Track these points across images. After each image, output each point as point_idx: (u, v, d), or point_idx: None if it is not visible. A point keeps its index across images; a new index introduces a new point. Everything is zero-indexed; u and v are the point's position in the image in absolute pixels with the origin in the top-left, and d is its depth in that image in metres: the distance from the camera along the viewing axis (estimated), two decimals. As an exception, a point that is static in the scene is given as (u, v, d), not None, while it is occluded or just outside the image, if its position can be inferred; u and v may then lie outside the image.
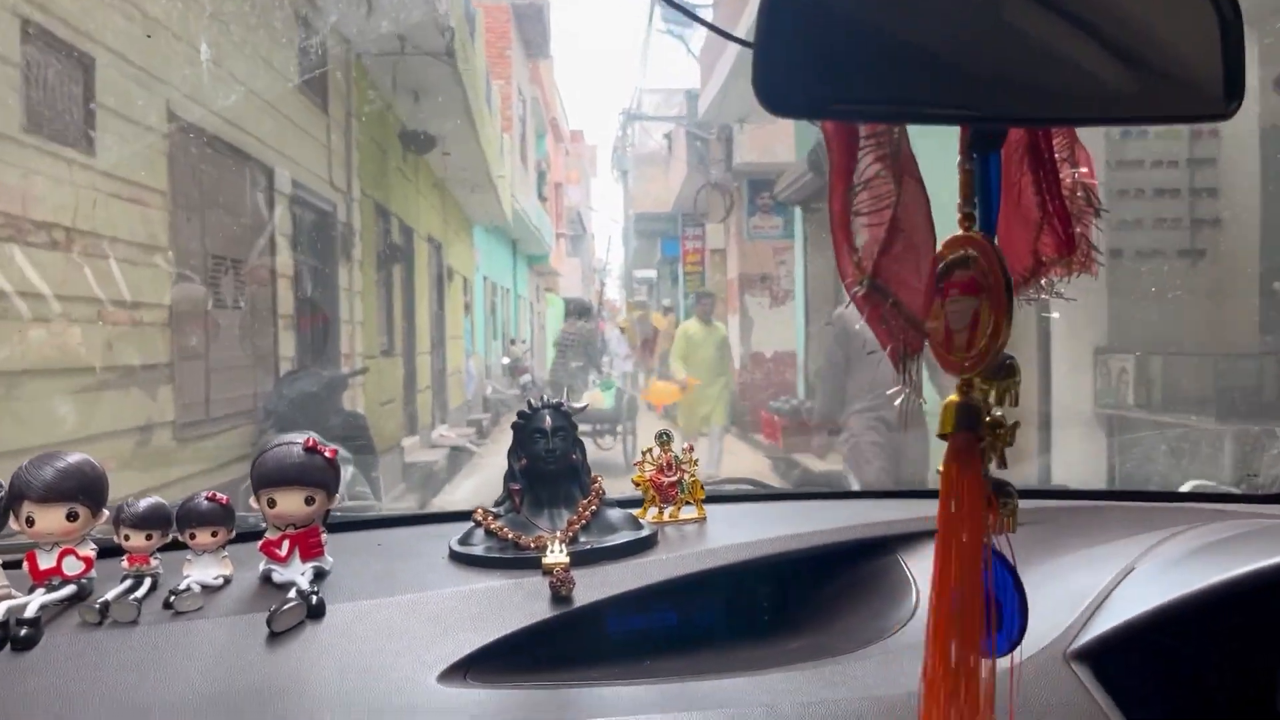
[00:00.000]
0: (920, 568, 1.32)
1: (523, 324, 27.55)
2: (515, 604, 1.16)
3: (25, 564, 1.14)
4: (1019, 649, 0.69)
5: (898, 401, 0.70)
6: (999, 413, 0.66)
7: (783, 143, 14.27)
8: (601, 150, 45.34)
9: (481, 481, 10.70)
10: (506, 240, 23.98)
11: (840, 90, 0.58)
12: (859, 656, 1.14)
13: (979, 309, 0.62)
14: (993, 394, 0.65)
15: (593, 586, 1.21)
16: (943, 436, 0.65)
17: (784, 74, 0.57)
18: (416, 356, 11.97)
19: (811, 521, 1.46)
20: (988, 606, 0.65)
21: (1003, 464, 0.66)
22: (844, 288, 0.73)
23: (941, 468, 0.65)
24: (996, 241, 0.64)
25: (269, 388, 6.23)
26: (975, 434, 0.65)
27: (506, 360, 22.81)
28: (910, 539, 1.39)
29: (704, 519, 1.51)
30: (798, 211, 12.06)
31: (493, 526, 1.33)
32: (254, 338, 6.17)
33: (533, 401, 1.40)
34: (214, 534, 1.20)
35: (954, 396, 0.65)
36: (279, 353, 6.56)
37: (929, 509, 1.27)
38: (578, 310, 12.76)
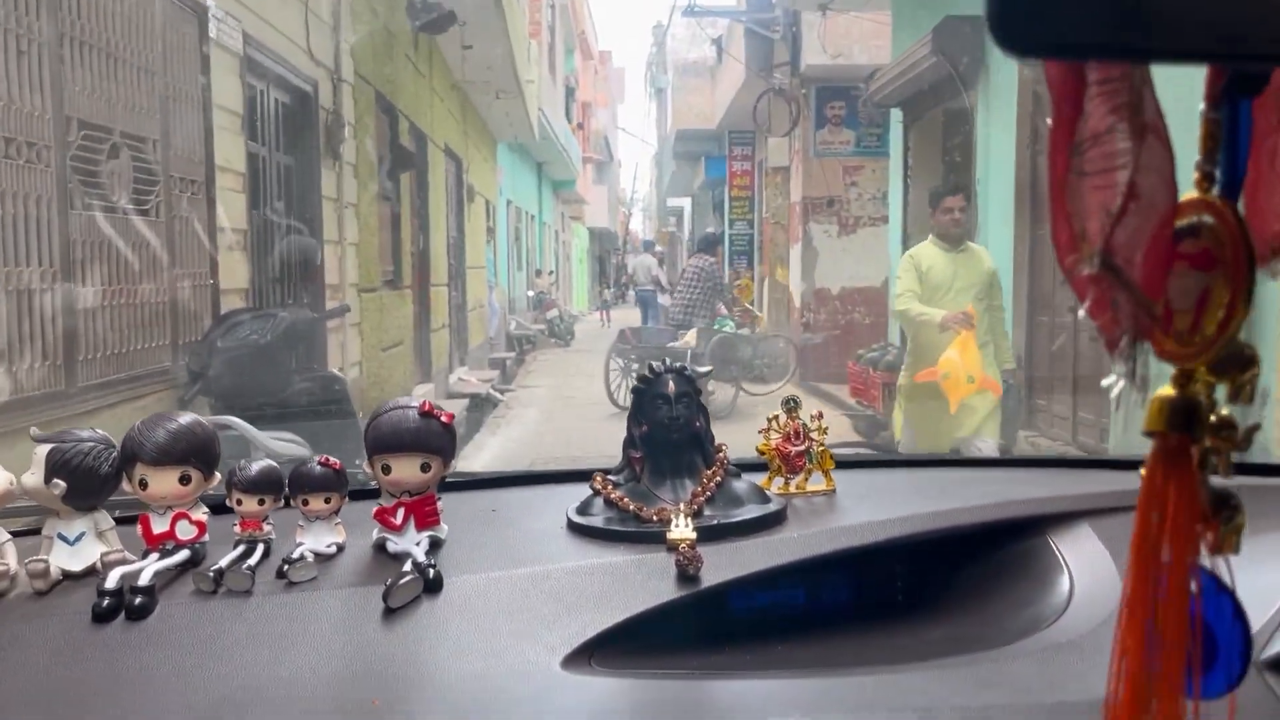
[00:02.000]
0: (1073, 551, 1.19)
1: (548, 254, 25.33)
2: (639, 582, 1.07)
3: (139, 527, 1.10)
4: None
5: (1115, 394, 0.53)
6: (1227, 411, 0.52)
7: (865, 42, 11.90)
8: (630, 74, 42.66)
9: (508, 442, 8.67)
10: (531, 162, 21.71)
11: (1090, 24, 0.47)
12: (1012, 654, 1.01)
13: (1210, 285, 0.51)
14: (1222, 389, 0.52)
15: (719, 565, 1.11)
16: (1148, 434, 0.52)
17: (1026, 8, 0.46)
18: (430, 289, 9.85)
19: (948, 495, 1.35)
20: (1196, 637, 0.53)
21: (1227, 472, 0.53)
22: (1060, 262, 0.54)
23: (1144, 471, 0.53)
24: (1241, 207, 0.51)
25: (198, 337, 4.14)
26: (1190, 436, 0.51)
27: (532, 293, 20.69)
28: (1061, 519, 1.24)
29: (833, 491, 1.38)
30: (893, 120, 9.74)
31: (612, 496, 1.23)
32: (175, 262, 4.03)
33: (654, 366, 1.29)
34: (327, 500, 1.14)
35: (1168, 388, 0.52)
36: (218, 284, 4.43)
37: (1077, 482, 1.40)
38: (703, 243, 11.18)
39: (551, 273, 23.23)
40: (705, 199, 23.56)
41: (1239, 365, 0.51)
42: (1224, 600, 0.54)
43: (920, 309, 4.80)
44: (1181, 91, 0.57)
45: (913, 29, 8.87)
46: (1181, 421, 0.51)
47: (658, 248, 10.07)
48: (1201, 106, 0.51)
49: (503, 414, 10.50)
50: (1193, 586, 0.52)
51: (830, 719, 0.87)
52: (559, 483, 1.48)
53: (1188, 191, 0.51)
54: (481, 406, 10.86)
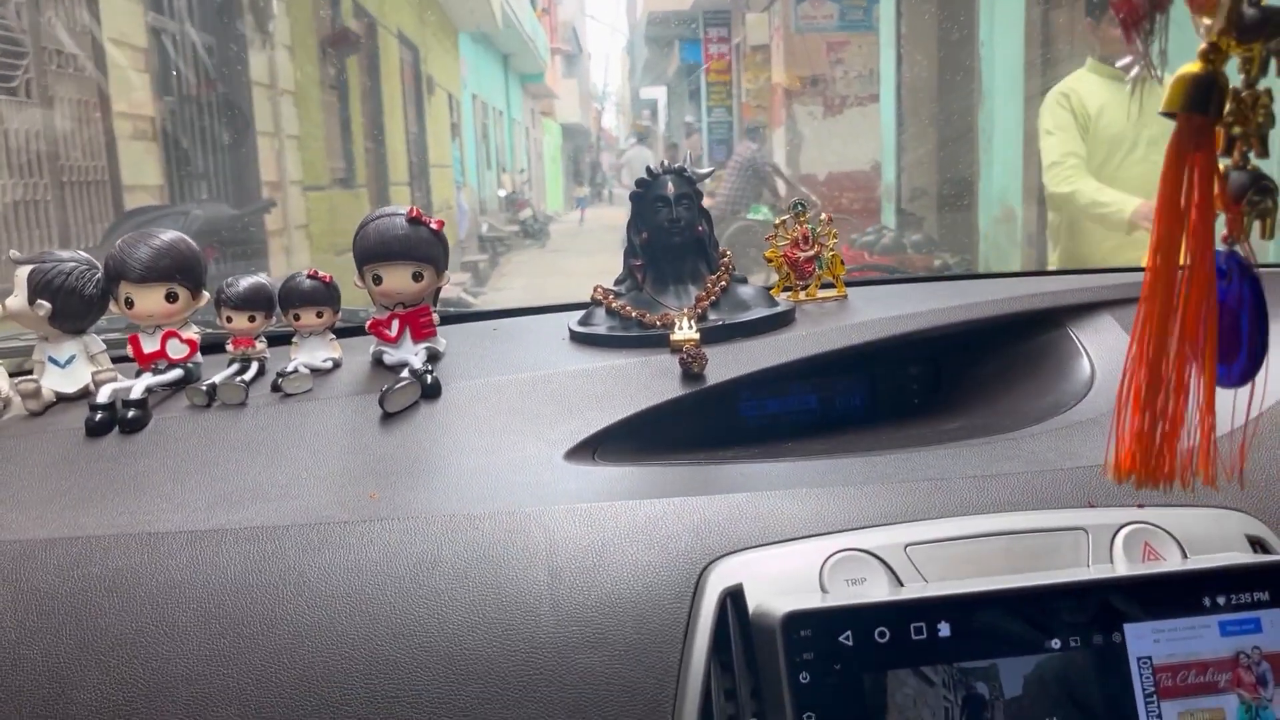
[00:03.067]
0: (1094, 340, 1.15)
1: (519, 152, 24.36)
2: (642, 382, 1.05)
3: (129, 348, 1.07)
4: (1260, 388, 0.52)
5: (1131, 75, 0.26)
6: (1262, 87, 0.48)
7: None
8: (596, -40, 40.91)
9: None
10: (497, 54, 20.63)
11: None
12: (1031, 433, 0.98)
13: None
14: (1254, 60, 0.47)
15: (726, 364, 1.07)
16: (1167, 115, 0.49)
17: None
18: (390, 188, 9.14)
19: (965, 295, 1.27)
20: (1219, 319, 0.51)
21: (1263, 153, 0.49)
22: None
23: (1165, 156, 0.49)
24: None
25: (94, 243, 3.51)
26: (1208, 116, 0.48)
27: (503, 192, 19.88)
28: (1081, 310, 1.20)
29: (844, 297, 1.32)
30: (882, -18, 8.99)
31: (614, 305, 1.19)
32: (57, 154, 3.37)
33: (653, 167, 1.21)
34: (319, 314, 1.11)
35: (1193, 65, 0.48)
36: (119, 180, 3.77)
37: (1098, 280, 1.30)
38: (750, 132, 10.25)
39: (523, 170, 22.33)
40: (681, 87, 22.56)
41: (1272, 30, 0.47)
42: (1247, 285, 0.52)
43: (1099, 192, 2.99)
44: None
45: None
46: (1200, 99, 0.48)
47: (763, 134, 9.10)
48: None
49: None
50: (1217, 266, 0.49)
51: (838, 490, 0.84)
52: (564, 311, 1.43)
53: None
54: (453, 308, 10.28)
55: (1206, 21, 0.48)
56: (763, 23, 12.03)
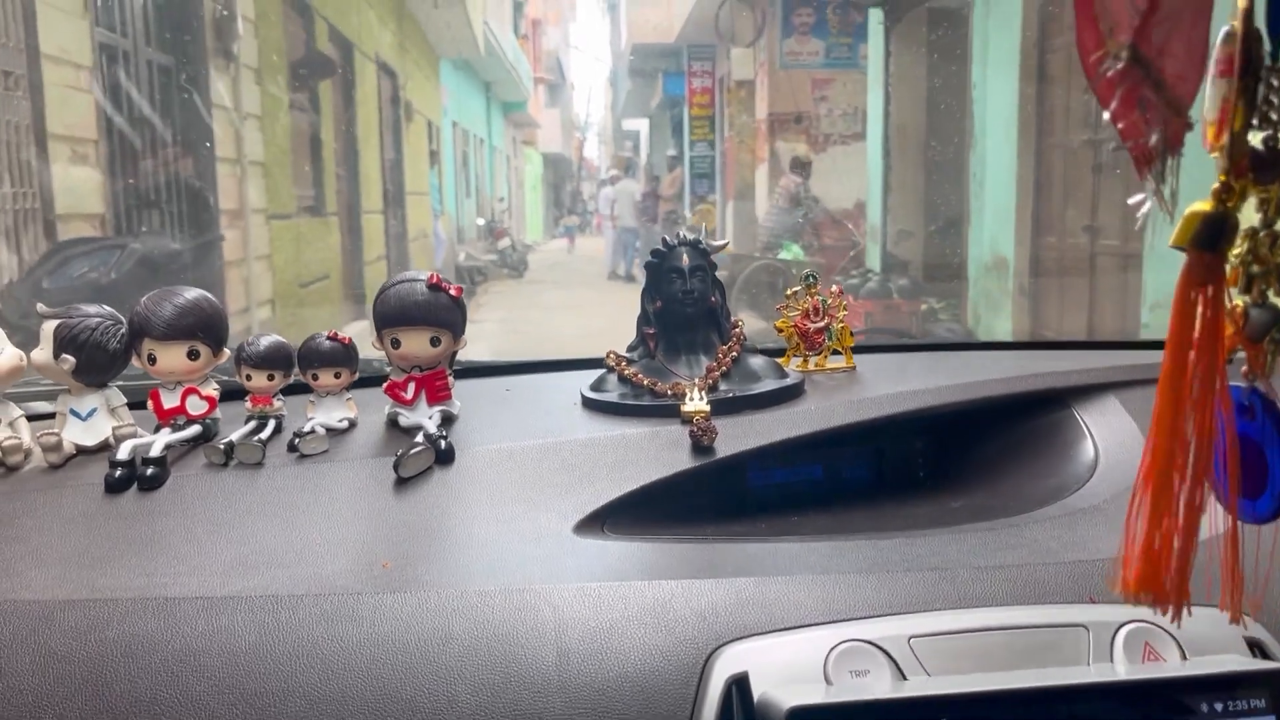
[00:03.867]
0: (1099, 422, 1.16)
1: (499, 180, 24.12)
2: (652, 453, 1.06)
3: (150, 403, 1.10)
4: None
5: (1143, 211, 0.51)
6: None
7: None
8: (581, -9, 40.97)
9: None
10: (479, 81, 20.42)
11: None
12: (1034, 519, 0.99)
13: (1230, 93, 0.49)
14: (1271, 201, 0.50)
15: (735, 436, 1.09)
16: (1178, 249, 0.50)
17: None
18: (363, 217, 8.84)
19: (972, 371, 1.31)
20: (1233, 456, 0.51)
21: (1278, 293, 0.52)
22: (1084, 67, 0.51)
23: (1175, 290, 0.51)
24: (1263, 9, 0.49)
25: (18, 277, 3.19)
26: (1219, 253, 0.50)
27: (482, 221, 19.60)
28: (1086, 391, 1.21)
29: (853, 368, 1.35)
30: (872, 22, 8.77)
31: (626, 372, 1.21)
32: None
33: (668, 238, 1.24)
34: (337, 375, 1.13)
35: (1204, 203, 0.49)
36: (53, 207, 3.46)
37: (1102, 361, 1.32)
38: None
39: (502, 199, 22.08)
40: (663, 120, 22.42)
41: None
42: (1271, 421, 0.52)
43: None
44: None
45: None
46: (1210, 235, 0.49)
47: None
48: None
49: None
50: (1237, 405, 0.51)
51: (843, 578, 0.84)
52: (575, 368, 1.46)
53: None
54: (424, 345, 9.96)
55: (1220, 161, 0.49)
56: (748, 58, 11.86)
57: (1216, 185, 0.49)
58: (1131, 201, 0.53)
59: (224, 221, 5.19)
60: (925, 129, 8.26)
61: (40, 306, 1.08)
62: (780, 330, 1.35)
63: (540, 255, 24.89)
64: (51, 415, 1.11)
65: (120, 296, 3.39)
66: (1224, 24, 0.49)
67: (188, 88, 4.82)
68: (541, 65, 29.05)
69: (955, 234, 7.79)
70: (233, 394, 1.16)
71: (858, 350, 1.38)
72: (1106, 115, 0.50)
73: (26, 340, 1.10)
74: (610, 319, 12.13)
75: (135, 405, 1.13)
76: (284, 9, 6.43)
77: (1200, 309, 0.49)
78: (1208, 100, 0.49)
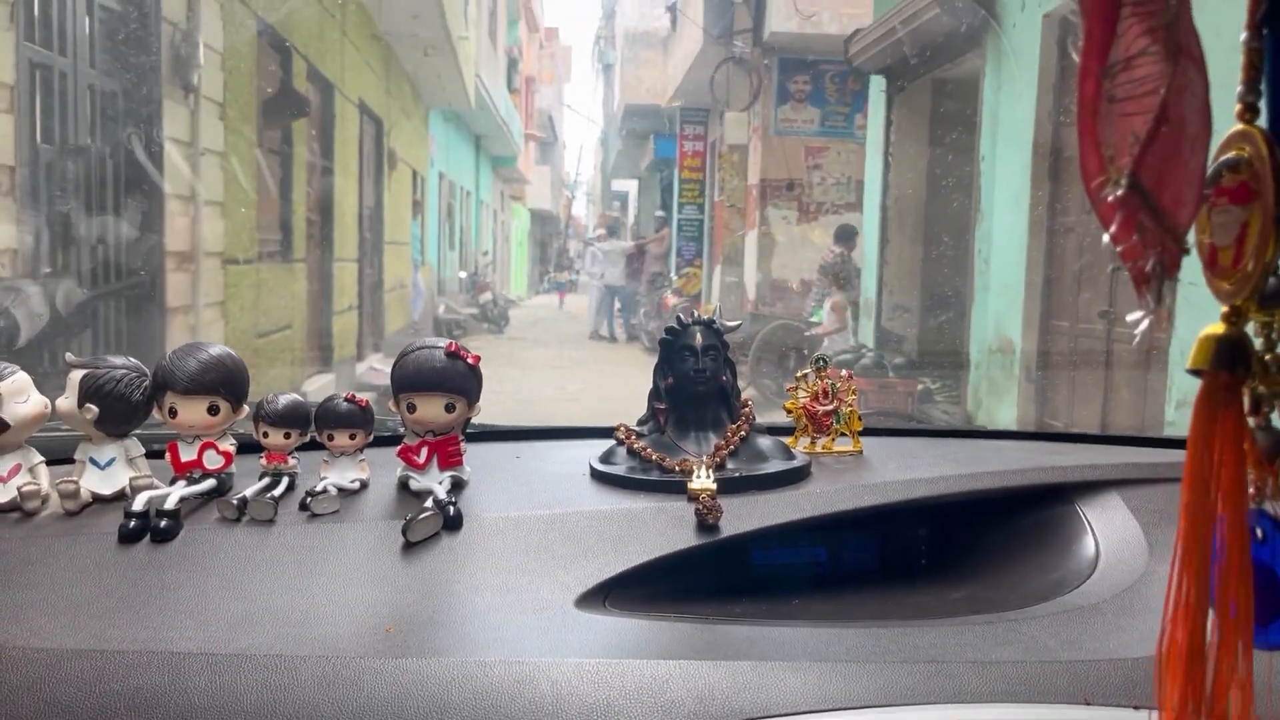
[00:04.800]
0: (1101, 519, 1.16)
1: (485, 233, 23.75)
2: (658, 529, 1.07)
3: (167, 455, 1.12)
4: None
5: (1140, 329, 0.53)
6: None
7: (836, 9, 10.62)
8: (578, 54, 41.15)
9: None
10: (469, 134, 20.12)
11: None
12: (1034, 615, 0.99)
13: (1248, 219, 0.50)
14: (1275, 325, 0.51)
15: (740, 516, 1.09)
16: (1194, 373, 0.52)
17: None
18: (334, 264, 8.36)
19: (977, 461, 1.32)
20: (1257, 585, 0.51)
21: None
22: (1086, 189, 0.53)
23: (1193, 413, 0.52)
24: None
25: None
26: (1235, 375, 0.51)
27: (464, 274, 19.17)
28: (1090, 487, 1.22)
29: (860, 452, 1.35)
30: (873, 89, 8.45)
31: (636, 446, 1.22)
32: None
33: (682, 317, 1.26)
34: (352, 436, 1.15)
35: (1216, 326, 0.52)
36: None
37: (1108, 455, 1.36)
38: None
39: (486, 253, 21.68)
40: (653, 181, 22.17)
41: None
42: None
43: None
44: (1223, 21, 0.55)
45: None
46: (1227, 359, 0.51)
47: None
48: (1243, 34, 0.50)
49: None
50: (1254, 531, 0.51)
51: (840, 667, 0.85)
52: (585, 437, 1.48)
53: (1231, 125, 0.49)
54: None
55: (1226, 287, 0.50)
56: (742, 122, 11.55)
57: (1226, 310, 0.49)
58: (1130, 319, 0.52)
59: (171, 264, 4.70)
60: (925, 201, 7.90)
61: (68, 355, 1.09)
62: (789, 411, 1.35)
63: (523, 311, 24.43)
64: (68, 460, 1.12)
65: (8, 344, 2.91)
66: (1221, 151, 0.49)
67: (136, 118, 4.36)
68: (534, 122, 28.90)
69: (956, 312, 7.38)
70: (247, 447, 1.16)
71: (864, 433, 1.37)
72: (1106, 238, 0.50)
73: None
74: (589, 381, 11.64)
75: (153, 455, 1.14)
76: (258, 43, 6.01)
77: (1220, 431, 0.49)
78: (1216, 227, 0.50)
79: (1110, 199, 0.51)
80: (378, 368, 10.59)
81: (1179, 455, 1.70)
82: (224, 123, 5.42)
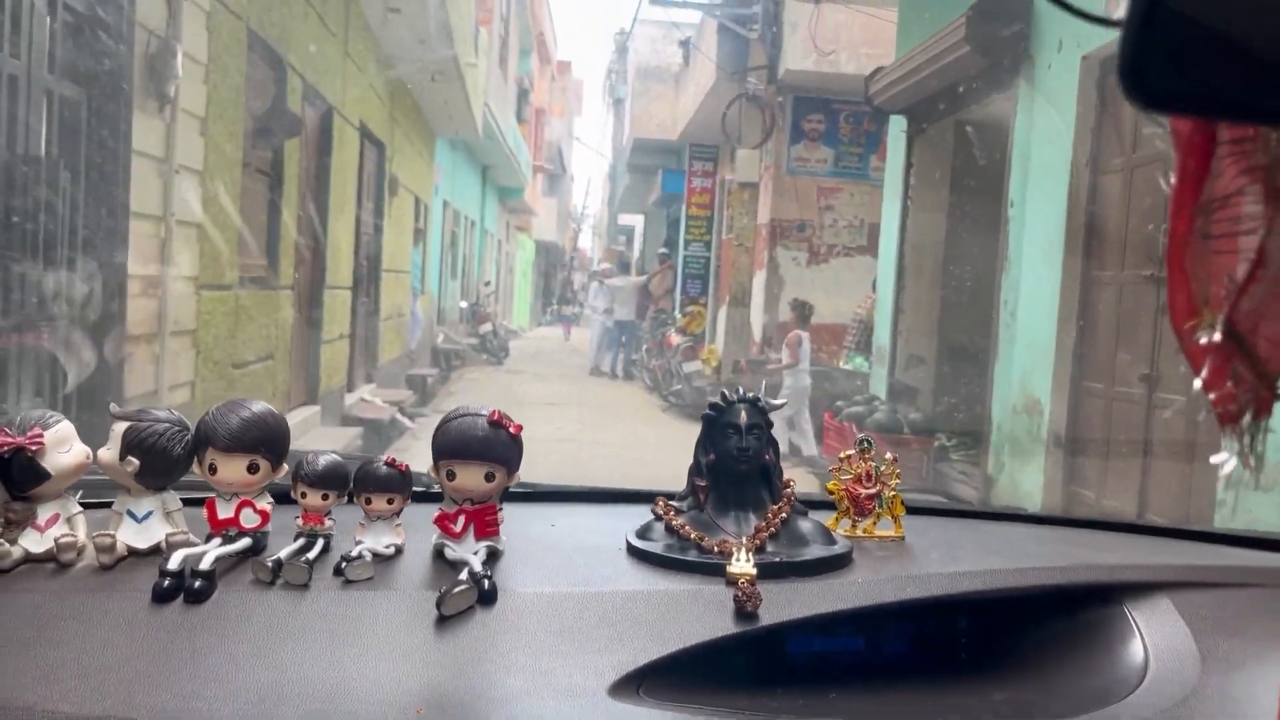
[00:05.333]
0: (1151, 624, 1.11)
1: (488, 263, 23.39)
2: (695, 614, 1.04)
3: (205, 511, 1.10)
4: None
5: (1225, 471, 0.51)
6: None
7: (854, 49, 10.29)
8: (589, 89, 41.10)
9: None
10: (476, 164, 19.82)
11: (1231, 83, 0.45)
12: None
13: None
14: None
15: (779, 604, 1.06)
16: None
17: (1163, 61, 0.44)
18: (325, 292, 7.95)
19: (1021, 553, 1.29)
20: None
21: None
22: (1174, 327, 0.53)
23: None
24: None
25: None
26: None
27: (465, 304, 18.77)
28: (1139, 588, 1.16)
29: (902, 538, 1.31)
30: (894, 130, 8.07)
31: (674, 523, 1.20)
32: None
33: (727, 393, 1.23)
34: (390, 501, 1.13)
35: None
36: None
37: (1156, 551, 1.35)
38: (796, 308, 9.72)
39: (489, 283, 21.29)
40: (659, 216, 21.84)
41: None
42: None
43: None
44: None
45: (924, 25, 7.24)
46: None
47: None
48: None
49: (407, 445, 8.59)
50: None
51: None
52: (621, 502, 1.45)
53: None
54: (382, 433, 8.95)
55: None
56: (753, 160, 11.18)
57: None
58: (1214, 460, 0.50)
59: (134, 289, 4.28)
60: (945, 247, 7.48)
61: (112, 406, 1.09)
62: (831, 492, 1.32)
63: (524, 343, 24.02)
64: (107, 504, 1.11)
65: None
66: None
67: (100, 128, 3.95)
68: (542, 154, 28.66)
69: (976, 366, 6.94)
70: (280, 497, 1.14)
71: (908, 513, 1.33)
72: (1197, 383, 0.48)
73: None
74: (586, 421, 11.20)
75: (189, 503, 1.13)
76: (249, 58, 5.64)
77: None
78: None
79: (1203, 343, 0.49)
80: (368, 399, 10.14)
81: (1234, 556, 1.38)
82: (205, 139, 5.02)
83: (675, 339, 12.44)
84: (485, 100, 14.88)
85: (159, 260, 4.54)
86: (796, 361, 8.39)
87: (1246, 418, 0.49)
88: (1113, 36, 0.49)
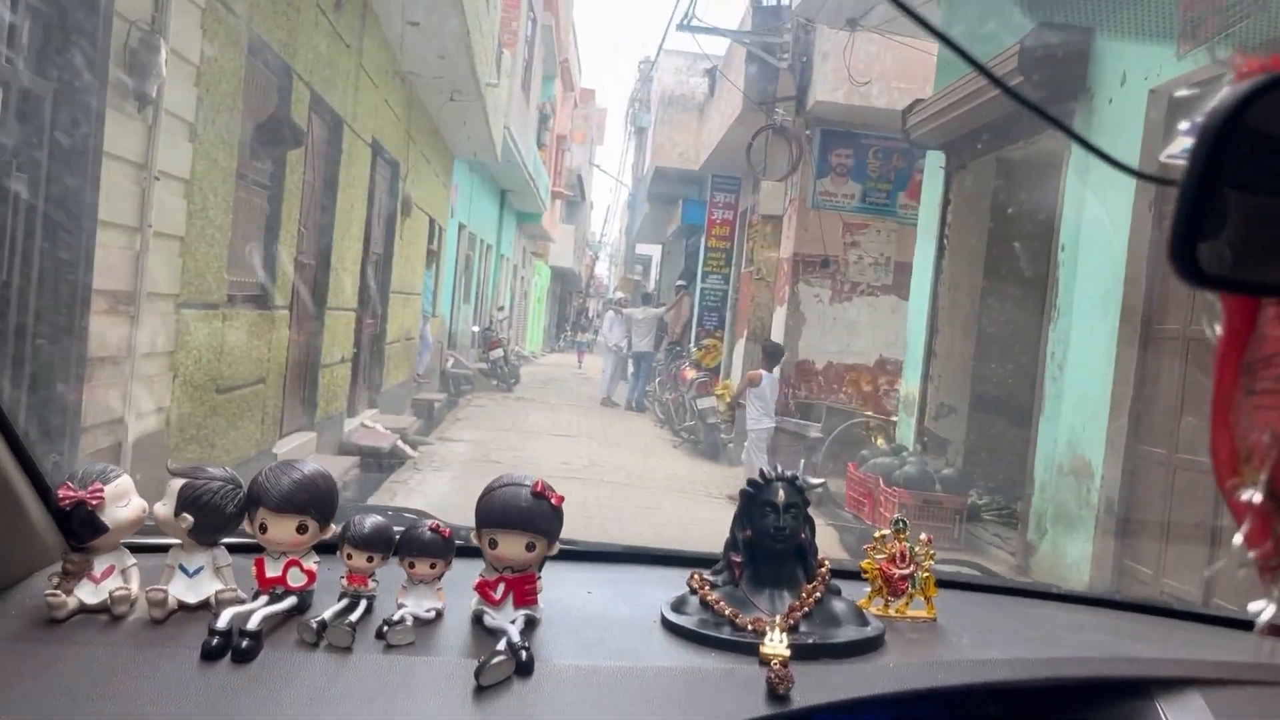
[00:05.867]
0: None
1: (503, 288, 22.99)
2: (728, 694, 1.04)
3: (253, 568, 1.12)
4: None
5: (1263, 619, 0.50)
6: None
7: (887, 81, 9.86)
8: (612, 118, 40.80)
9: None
10: (494, 188, 19.46)
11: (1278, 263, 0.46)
12: None
13: None
14: None
15: (811, 686, 1.06)
16: None
17: (1214, 241, 0.46)
18: (327, 313, 7.51)
19: (1053, 639, 1.28)
20: None
21: None
22: (1218, 481, 0.52)
23: None
24: None
25: None
26: None
27: (477, 329, 18.35)
28: (1173, 685, 1.14)
29: (934, 619, 1.30)
30: (930, 165, 7.61)
31: (709, 598, 1.20)
32: None
33: (766, 471, 1.24)
34: (432, 565, 1.15)
35: None
36: None
37: (1190, 640, 1.33)
38: (769, 352, 9.64)
39: (502, 308, 20.87)
40: (677, 247, 21.41)
41: None
42: None
43: None
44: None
45: (957, 66, 6.79)
46: None
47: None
48: None
49: (406, 477, 8.09)
50: None
51: None
52: (657, 564, 1.46)
53: None
54: (382, 465, 8.46)
55: None
56: (778, 193, 10.74)
57: None
58: (1251, 608, 0.49)
59: (100, 306, 3.83)
60: (982, 290, 6.99)
61: (170, 463, 1.12)
62: (865, 572, 1.31)
63: (537, 368, 23.55)
64: (155, 549, 1.15)
65: None
66: None
67: (63, 126, 3.51)
68: (562, 180, 28.33)
69: (1015, 419, 6.43)
70: (321, 546, 1.16)
71: (939, 585, 1.31)
72: (1238, 537, 0.47)
73: None
74: (593, 456, 10.68)
75: (235, 549, 1.15)
76: (249, 62, 5.22)
77: None
78: None
79: (1244, 500, 0.48)
80: (369, 425, 9.67)
81: (1274, 651, 1.29)
82: (194, 146, 4.58)
83: (690, 373, 11.95)
84: (506, 123, 14.52)
85: (130, 275, 4.09)
86: (740, 396, 8.28)
87: None
88: (1187, 69, 0.49)
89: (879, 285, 10.92)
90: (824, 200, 10.87)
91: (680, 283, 15.91)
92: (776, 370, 9.05)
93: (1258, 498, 0.48)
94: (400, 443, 9.37)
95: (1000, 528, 6.25)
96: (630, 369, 15.48)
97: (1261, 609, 0.50)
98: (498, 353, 16.93)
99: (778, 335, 10.96)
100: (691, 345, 14.70)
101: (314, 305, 7.34)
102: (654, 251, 29.06)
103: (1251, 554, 0.49)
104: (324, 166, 7.27)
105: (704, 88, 15.09)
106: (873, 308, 10.87)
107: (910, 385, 7.39)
